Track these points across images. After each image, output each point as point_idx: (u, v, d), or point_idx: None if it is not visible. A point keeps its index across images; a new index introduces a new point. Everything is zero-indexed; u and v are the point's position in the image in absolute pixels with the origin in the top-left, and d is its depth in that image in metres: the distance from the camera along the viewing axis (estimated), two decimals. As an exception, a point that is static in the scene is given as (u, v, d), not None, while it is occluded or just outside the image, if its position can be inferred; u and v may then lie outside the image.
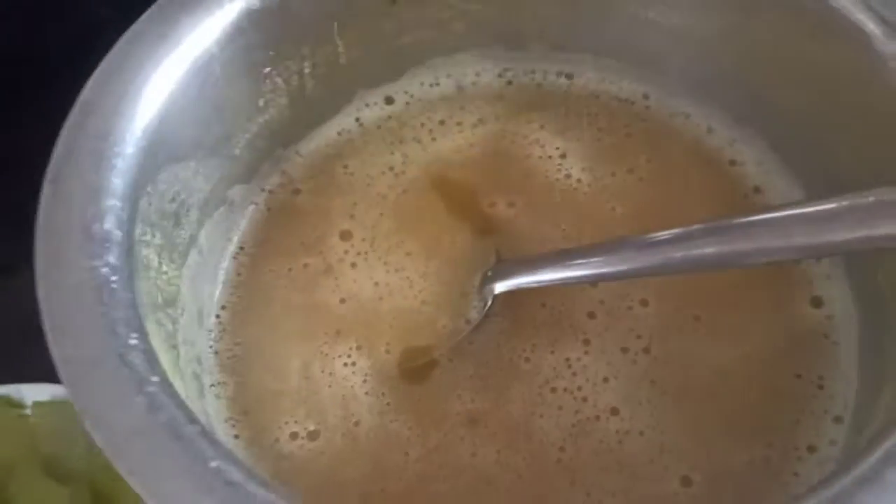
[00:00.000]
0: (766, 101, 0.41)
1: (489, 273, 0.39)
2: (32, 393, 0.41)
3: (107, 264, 0.29)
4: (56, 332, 0.27)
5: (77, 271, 0.28)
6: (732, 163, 0.42)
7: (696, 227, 0.32)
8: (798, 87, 0.39)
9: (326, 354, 0.38)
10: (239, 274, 0.41)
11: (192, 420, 0.26)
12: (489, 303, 0.38)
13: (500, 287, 0.38)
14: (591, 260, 0.35)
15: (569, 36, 0.46)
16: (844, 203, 0.28)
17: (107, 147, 0.32)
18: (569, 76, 0.46)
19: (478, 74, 0.47)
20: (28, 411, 0.41)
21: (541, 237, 0.41)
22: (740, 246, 0.31)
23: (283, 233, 0.42)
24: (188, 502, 0.24)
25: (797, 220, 0.29)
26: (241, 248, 0.42)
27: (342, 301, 0.40)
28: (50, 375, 0.41)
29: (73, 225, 0.29)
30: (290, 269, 0.41)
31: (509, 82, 0.47)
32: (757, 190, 0.42)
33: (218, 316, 0.40)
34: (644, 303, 0.38)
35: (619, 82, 0.46)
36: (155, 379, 0.26)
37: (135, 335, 0.27)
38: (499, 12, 0.45)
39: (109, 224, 0.30)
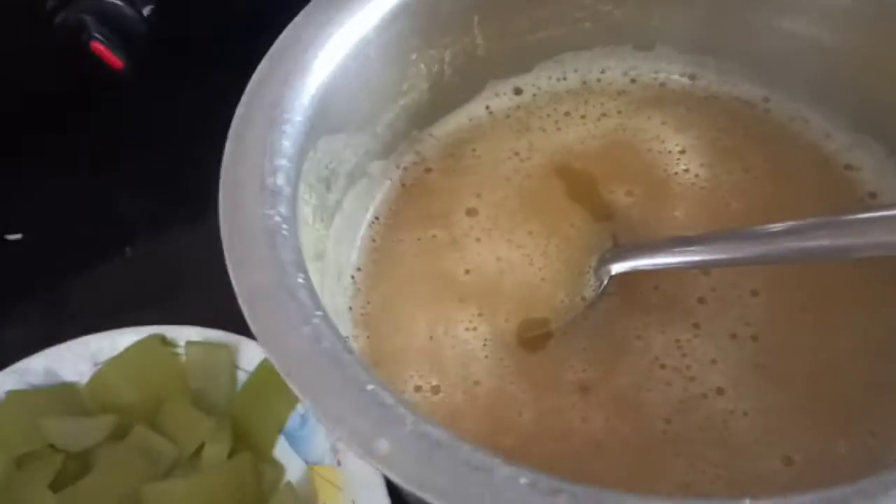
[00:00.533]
0: (886, 109, 0.43)
1: (607, 254, 0.41)
2: (185, 334, 0.46)
3: (278, 214, 0.33)
4: (236, 268, 0.31)
5: (254, 217, 0.32)
6: (848, 167, 0.44)
7: (809, 220, 0.34)
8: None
9: (450, 318, 0.41)
10: (373, 241, 0.45)
11: (350, 350, 0.29)
12: (605, 282, 0.41)
13: (617, 268, 0.40)
14: (706, 246, 0.37)
15: (694, 39, 0.48)
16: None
17: (278, 114, 0.36)
18: (691, 77, 0.48)
19: (603, 71, 0.49)
20: (180, 350, 0.46)
21: (656, 225, 0.43)
22: (853, 240, 0.33)
23: (414, 206, 0.46)
24: (348, 417, 0.27)
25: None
26: (377, 219, 0.45)
27: (466, 272, 0.43)
28: (195, 321, 0.47)
29: (251, 178, 0.33)
30: (418, 239, 0.44)
31: (633, 80, 0.49)
32: (872, 195, 0.43)
33: (353, 277, 0.44)
34: (755, 293, 0.40)
35: (740, 85, 0.48)
36: (319, 313, 0.30)
37: (301, 275, 0.31)
38: (629, 14, 0.47)
39: (280, 180, 0.34)
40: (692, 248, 0.38)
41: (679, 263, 0.38)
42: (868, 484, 0.24)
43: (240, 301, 0.30)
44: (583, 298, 0.41)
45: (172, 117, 0.59)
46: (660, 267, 0.39)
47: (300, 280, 0.31)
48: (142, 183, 0.58)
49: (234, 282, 0.30)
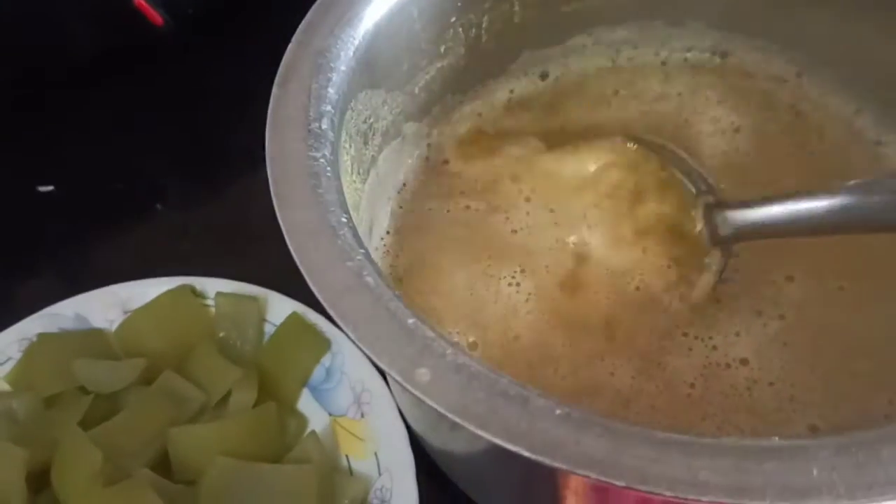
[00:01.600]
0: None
1: (722, 210, 0.39)
2: (215, 286, 0.46)
3: (323, 156, 0.33)
4: (283, 206, 0.31)
5: (300, 159, 0.33)
6: (878, 143, 0.44)
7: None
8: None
9: (491, 276, 0.41)
10: (400, 207, 0.45)
11: (389, 286, 0.30)
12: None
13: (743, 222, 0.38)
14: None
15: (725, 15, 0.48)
16: None
17: (325, 62, 0.36)
18: (723, 55, 0.49)
19: (635, 47, 0.50)
20: (210, 301, 0.46)
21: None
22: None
23: (441, 179, 0.46)
24: (390, 347, 0.28)
25: None
26: (404, 185, 0.46)
27: (513, 231, 0.43)
28: (230, 276, 0.47)
29: (297, 122, 0.34)
30: (448, 211, 0.45)
31: (664, 62, 0.50)
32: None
33: (382, 238, 0.44)
34: (790, 278, 0.40)
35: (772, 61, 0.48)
36: (361, 251, 0.30)
37: (344, 216, 0.32)
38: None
39: (325, 125, 0.34)
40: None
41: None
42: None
43: (286, 236, 0.31)
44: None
45: (206, 78, 0.60)
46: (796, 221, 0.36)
47: (343, 219, 0.31)
48: (173, 140, 0.59)
49: (280, 218, 0.31)
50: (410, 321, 0.28)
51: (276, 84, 0.35)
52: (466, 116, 0.49)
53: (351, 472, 0.42)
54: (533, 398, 0.26)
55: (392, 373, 0.27)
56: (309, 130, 0.34)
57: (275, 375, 0.44)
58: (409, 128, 0.46)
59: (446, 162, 0.47)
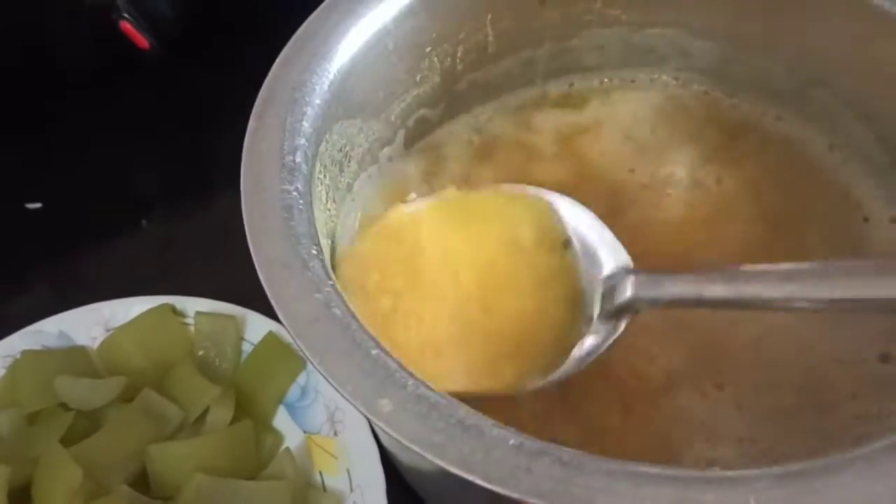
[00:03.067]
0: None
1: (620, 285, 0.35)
2: (195, 305, 0.48)
3: (296, 189, 0.35)
4: (256, 239, 0.33)
5: (274, 192, 0.34)
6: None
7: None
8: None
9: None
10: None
11: (356, 318, 0.31)
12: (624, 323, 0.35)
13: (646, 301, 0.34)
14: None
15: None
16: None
17: (300, 96, 0.38)
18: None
19: (606, 86, 0.52)
20: (189, 320, 0.48)
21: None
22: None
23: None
24: (354, 378, 0.29)
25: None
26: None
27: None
28: (206, 293, 0.49)
29: (272, 154, 0.35)
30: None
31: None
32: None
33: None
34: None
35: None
36: (331, 282, 0.32)
37: (315, 247, 0.33)
38: (636, 18, 0.49)
39: (299, 158, 0.36)
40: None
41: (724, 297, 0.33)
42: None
43: (257, 268, 0.32)
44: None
45: (191, 96, 0.61)
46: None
47: (314, 251, 0.33)
48: (159, 158, 0.60)
49: (252, 251, 0.32)
50: (374, 352, 0.30)
51: (253, 117, 0.37)
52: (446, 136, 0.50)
53: (324, 488, 0.43)
54: (488, 428, 0.28)
55: (355, 403, 0.28)
56: (283, 164, 0.35)
57: (252, 393, 0.45)
58: (385, 153, 0.47)
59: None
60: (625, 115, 0.51)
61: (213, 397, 0.44)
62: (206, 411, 0.44)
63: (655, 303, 0.34)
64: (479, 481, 0.27)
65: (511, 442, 0.27)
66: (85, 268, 0.55)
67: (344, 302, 0.32)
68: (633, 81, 0.52)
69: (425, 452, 0.27)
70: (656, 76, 0.52)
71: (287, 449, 0.44)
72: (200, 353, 0.47)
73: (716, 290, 0.33)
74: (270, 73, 0.38)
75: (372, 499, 0.41)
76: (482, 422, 0.28)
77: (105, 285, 0.53)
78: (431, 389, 0.29)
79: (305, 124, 0.37)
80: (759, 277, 0.32)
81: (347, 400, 0.29)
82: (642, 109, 0.51)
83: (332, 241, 0.42)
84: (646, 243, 0.40)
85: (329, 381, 0.29)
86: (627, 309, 0.35)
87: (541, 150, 0.50)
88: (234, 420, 0.44)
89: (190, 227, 0.56)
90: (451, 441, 0.27)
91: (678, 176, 0.47)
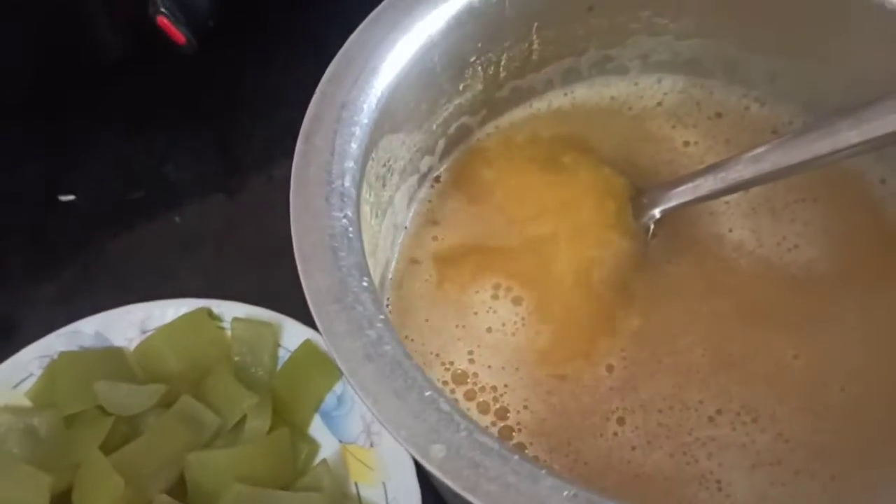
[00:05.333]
0: None
1: (642, 200, 0.44)
2: (231, 310, 0.48)
3: (346, 216, 0.34)
4: (306, 268, 0.32)
5: (323, 219, 0.34)
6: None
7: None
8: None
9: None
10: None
11: (409, 356, 0.31)
12: (651, 227, 0.44)
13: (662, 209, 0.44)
14: (742, 165, 0.40)
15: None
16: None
17: (347, 115, 0.37)
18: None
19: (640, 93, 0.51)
20: (226, 325, 0.48)
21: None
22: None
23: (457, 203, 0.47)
24: (407, 421, 0.29)
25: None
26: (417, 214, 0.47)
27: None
28: (245, 295, 0.49)
29: (321, 179, 0.35)
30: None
31: (659, 103, 0.51)
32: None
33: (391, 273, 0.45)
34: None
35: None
36: (381, 317, 0.32)
37: (366, 279, 0.33)
38: (686, 30, 0.48)
39: (348, 182, 0.35)
40: (725, 173, 0.41)
41: (721, 189, 0.41)
42: None
43: (309, 303, 0.32)
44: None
45: (226, 89, 0.61)
46: (702, 197, 0.42)
47: (364, 284, 0.33)
48: (194, 153, 0.60)
49: (303, 284, 0.32)
50: (427, 393, 0.30)
51: (300, 139, 0.36)
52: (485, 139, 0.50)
53: (360, 499, 0.43)
54: (542, 477, 0.28)
55: (409, 449, 0.28)
56: (332, 188, 0.35)
57: (288, 401, 0.46)
58: (426, 162, 0.47)
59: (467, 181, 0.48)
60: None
61: (250, 405, 0.45)
62: (243, 419, 0.45)
63: (667, 210, 0.44)
64: (533, 532, 0.27)
65: (565, 493, 0.28)
66: (117, 262, 0.55)
67: (396, 338, 0.32)
68: (681, 92, 0.51)
69: (479, 501, 0.27)
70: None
71: (324, 461, 0.44)
72: (237, 358, 0.47)
73: (707, 186, 0.42)
74: (318, 90, 0.38)
75: (407, 512, 0.42)
76: (537, 471, 0.28)
77: (137, 281, 0.53)
78: (485, 433, 0.29)
79: (353, 146, 0.37)
80: (734, 163, 0.41)
81: (402, 444, 0.29)
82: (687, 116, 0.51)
83: (377, 259, 0.42)
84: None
85: (384, 426, 0.29)
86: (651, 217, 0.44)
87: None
88: (272, 428, 0.45)
89: (222, 224, 0.56)
90: (506, 490, 0.28)
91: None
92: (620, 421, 0.40)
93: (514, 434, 0.40)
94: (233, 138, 0.61)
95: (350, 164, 0.36)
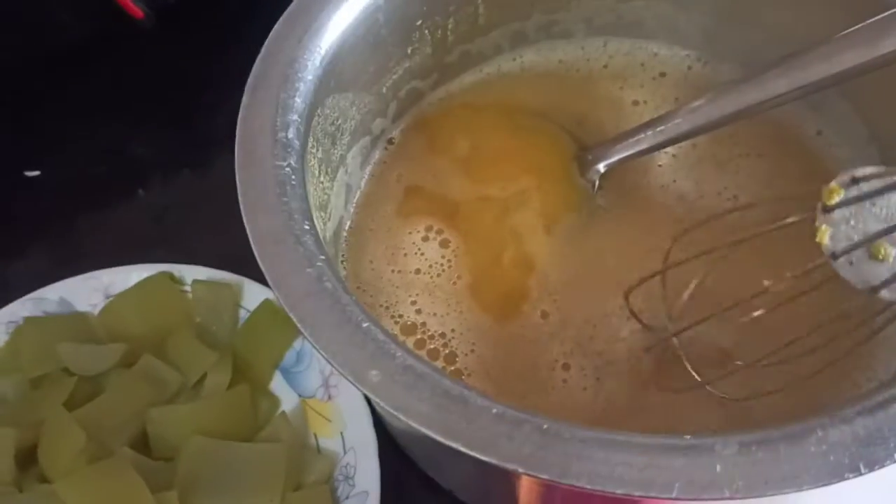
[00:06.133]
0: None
1: (587, 156, 0.46)
2: (192, 273, 0.49)
3: (289, 165, 0.36)
4: (249, 213, 0.34)
5: (267, 168, 0.35)
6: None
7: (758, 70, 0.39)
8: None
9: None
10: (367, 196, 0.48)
11: (349, 291, 0.32)
12: (597, 182, 0.46)
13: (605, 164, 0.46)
14: (679, 118, 0.42)
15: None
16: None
17: (292, 72, 0.39)
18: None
19: (587, 59, 0.53)
20: (187, 288, 0.49)
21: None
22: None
23: (409, 166, 0.49)
24: (344, 350, 0.30)
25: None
26: (373, 175, 0.49)
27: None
28: (201, 261, 0.50)
29: (265, 131, 0.36)
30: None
31: (605, 65, 0.53)
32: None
33: (345, 232, 0.47)
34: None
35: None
36: (322, 257, 0.33)
37: (307, 223, 0.34)
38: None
39: (292, 134, 0.37)
40: (664, 127, 0.43)
41: (660, 142, 0.43)
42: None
43: (252, 243, 0.33)
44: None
45: (187, 65, 0.62)
46: (642, 151, 0.44)
47: (306, 226, 0.34)
48: (156, 127, 0.61)
49: (247, 226, 0.33)
50: (365, 324, 0.31)
51: (246, 94, 0.38)
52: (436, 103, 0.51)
53: (318, 450, 0.45)
54: (472, 397, 0.29)
55: (346, 374, 0.30)
56: (276, 140, 0.36)
57: (248, 358, 0.47)
58: (378, 125, 0.48)
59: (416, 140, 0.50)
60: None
61: (211, 363, 0.46)
62: (204, 376, 0.46)
63: (611, 164, 0.46)
64: (461, 448, 0.28)
65: (494, 411, 0.29)
66: (83, 235, 0.56)
67: (336, 274, 0.33)
68: (626, 54, 0.53)
69: (411, 421, 0.29)
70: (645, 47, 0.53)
71: (282, 413, 0.45)
72: (198, 320, 0.48)
73: (647, 140, 0.43)
74: (263, 50, 0.39)
75: (364, 460, 0.43)
76: (466, 392, 0.29)
77: (103, 252, 0.54)
78: (419, 360, 0.30)
79: (298, 100, 0.38)
80: (672, 117, 0.42)
81: (338, 370, 0.30)
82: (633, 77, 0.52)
83: (327, 213, 0.43)
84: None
85: (320, 353, 0.30)
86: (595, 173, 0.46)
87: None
88: (232, 385, 0.46)
89: (186, 196, 0.57)
90: (436, 410, 0.29)
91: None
92: (566, 367, 0.41)
93: (463, 378, 0.41)
94: (197, 116, 0.62)
95: (294, 117, 0.38)
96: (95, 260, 0.52)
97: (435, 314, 0.43)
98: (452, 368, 0.41)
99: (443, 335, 0.42)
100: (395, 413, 0.29)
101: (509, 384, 0.41)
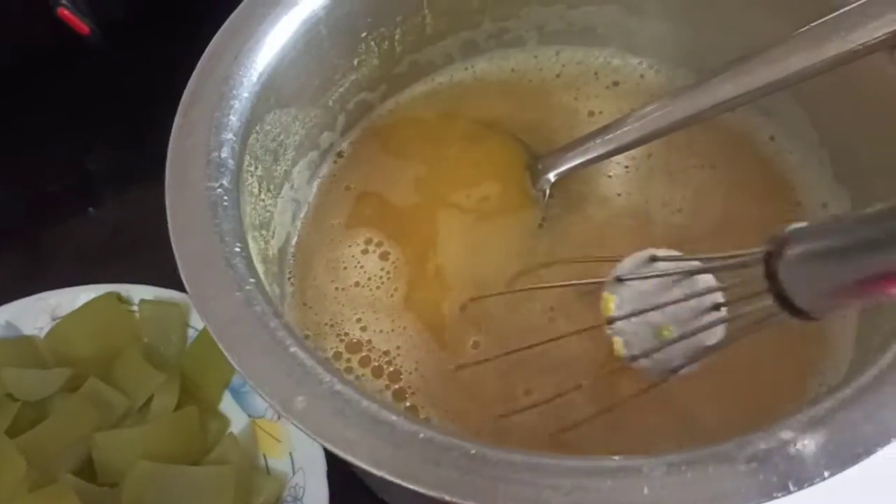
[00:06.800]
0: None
1: (538, 166, 0.46)
2: (140, 292, 0.48)
3: (221, 186, 0.35)
4: (178, 236, 0.33)
5: (198, 189, 0.35)
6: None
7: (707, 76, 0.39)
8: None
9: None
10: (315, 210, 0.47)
11: (278, 315, 0.32)
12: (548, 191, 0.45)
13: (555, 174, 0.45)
14: (627, 126, 0.42)
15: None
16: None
17: (227, 90, 0.38)
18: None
19: (540, 69, 0.52)
20: (134, 308, 0.48)
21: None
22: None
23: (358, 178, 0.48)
24: (270, 376, 0.30)
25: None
26: (321, 190, 0.48)
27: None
28: (153, 280, 0.49)
29: (197, 151, 0.36)
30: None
31: (558, 75, 0.52)
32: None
33: (293, 249, 0.46)
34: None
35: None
36: (252, 280, 0.32)
37: (238, 244, 0.34)
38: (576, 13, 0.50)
39: (225, 153, 0.36)
40: (612, 135, 0.43)
41: (609, 151, 0.43)
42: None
43: (179, 267, 0.32)
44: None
45: (138, 81, 0.61)
46: (592, 160, 0.43)
47: (237, 248, 0.33)
48: (109, 143, 0.60)
49: (175, 250, 0.33)
50: (292, 349, 0.31)
51: (179, 113, 0.37)
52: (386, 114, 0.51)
53: (268, 471, 0.44)
54: (400, 423, 0.29)
55: (271, 402, 0.29)
56: (209, 160, 0.36)
57: (197, 379, 0.46)
58: (325, 138, 0.48)
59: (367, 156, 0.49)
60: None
61: (158, 384, 0.45)
62: (151, 398, 0.45)
63: (561, 173, 0.45)
64: (386, 476, 0.28)
65: (421, 436, 0.28)
66: (34, 255, 0.56)
67: (267, 298, 0.32)
68: (579, 63, 0.52)
69: (336, 449, 0.28)
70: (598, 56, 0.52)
71: (230, 434, 0.45)
72: (146, 340, 0.47)
73: (595, 148, 0.43)
74: (197, 68, 0.38)
75: (313, 481, 0.42)
76: (394, 417, 0.29)
77: (53, 272, 0.53)
78: (349, 385, 0.30)
79: (233, 118, 0.38)
80: (620, 125, 0.42)
81: (263, 398, 0.29)
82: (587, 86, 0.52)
83: (270, 231, 0.42)
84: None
85: (247, 381, 0.30)
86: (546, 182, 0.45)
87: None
88: (180, 406, 0.45)
89: (138, 213, 0.56)
90: (363, 436, 0.28)
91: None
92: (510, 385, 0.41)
93: (406, 396, 0.40)
94: (149, 132, 0.61)
95: (229, 136, 0.37)
96: (45, 279, 0.51)
97: (380, 331, 0.42)
98: (396, 387, 0.41)
99: (387, 353, 0.41)
100: (319, 441, 0.28)
101: (453, 404, 0.41)
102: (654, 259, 0.34)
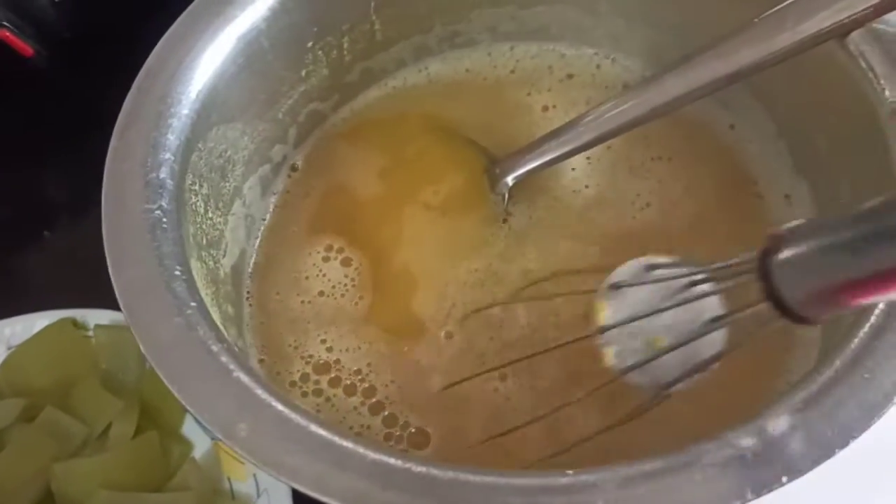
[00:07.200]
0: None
1: (495, 170, 0.45)
2: (95, 317, 0.47)
3: (160, 208, 0.34)
4: (115, 261, 0.32)
5: (135, 212, 0.34)
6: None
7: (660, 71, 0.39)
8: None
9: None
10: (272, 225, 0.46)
11: (221, 339, 0.31)
12: (507, 195, 0.45)
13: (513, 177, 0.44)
14: (583, 126, 0.41)
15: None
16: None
17: (165, 108, 0.37)
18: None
19: (494, 66, 0.52)
20: (90, 333, 0.47)
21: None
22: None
23: (315, 187, 0.47)
24: (212, 403, 0.29)
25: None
26: (276, 204, 0.47)
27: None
28: (111, 303, 0.48)
29: (134, 173, 0.35)
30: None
31: (512, 70, 0.51)
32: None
33: (249, 265, 0.45)
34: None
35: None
36: (193, 304, 0.32)
37: (179, 268, 0.33)
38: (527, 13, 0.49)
39: (164, 174, 0.35)
40: (568, 136, 0.42)
41: (565, 152, 0.42)
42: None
43: (117, 295, 0.32)
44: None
45: (91, 105, 0.59)
46: (548, 162, 0.43)
47: (177, 272, 0.32)
48: (61, 169, 0.59)
49: (112, 277, 0.32)
50: (235, 374, 0.30)
51: (114, 135, 0.36)
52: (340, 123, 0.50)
53: (232, 494, 0.43)
54: (347, 446, 0.28)
55: (213, 430, 0.28)
56: (146, 182, 0.35)
57: (157, 404, 0.45)
58: (277, 151, 0.47)
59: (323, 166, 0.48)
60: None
61: (116, 411, 0.44)
62: (109, 425, 0.44)
63: (518, 177, 0.44)
64: (333, 502, 0.27)
65: (370, 458, 0.28)
66: (-12, 281, 0.54)
67: (210, 322, 0.31)
68: (533, 58, 0.51)
69: (280, 476, 0.27)
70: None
71: (192, 459, 0.44)
72: (104, 366, 0.46)
73: (551, 151, 0.42)
74: (133, 87, 0.37)
75: (278, 502, 0.41)
76: (339, 440, 0.28)
77: (8, 299, 0.52)
78: (295, 408, 0.29)
79: (171, 137, 0.37)
80: (575, 126, 0.41)
81: (204, 426, 0.29)
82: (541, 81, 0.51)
83: (221, 250, 0.41)
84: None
85: (188, 409, 0.29)
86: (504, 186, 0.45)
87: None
88: (140, 432, 0.44)
89: (93, 237, 0.55)
90: (308, 462, 0.28)
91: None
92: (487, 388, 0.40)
93: (385, 406, 0.40)
94: (101, 153, 0.60)
95: (167, 155, 0.36)
96: (1, 306, 0.50)
97: (346, 349, 0.41)
98: (374, 401, 0.40)
99: (358, 371, 0.41)
100: (264, 469, 0.28)
101: (431, 408, 0.40)
102: (650, 268, 0.33)
